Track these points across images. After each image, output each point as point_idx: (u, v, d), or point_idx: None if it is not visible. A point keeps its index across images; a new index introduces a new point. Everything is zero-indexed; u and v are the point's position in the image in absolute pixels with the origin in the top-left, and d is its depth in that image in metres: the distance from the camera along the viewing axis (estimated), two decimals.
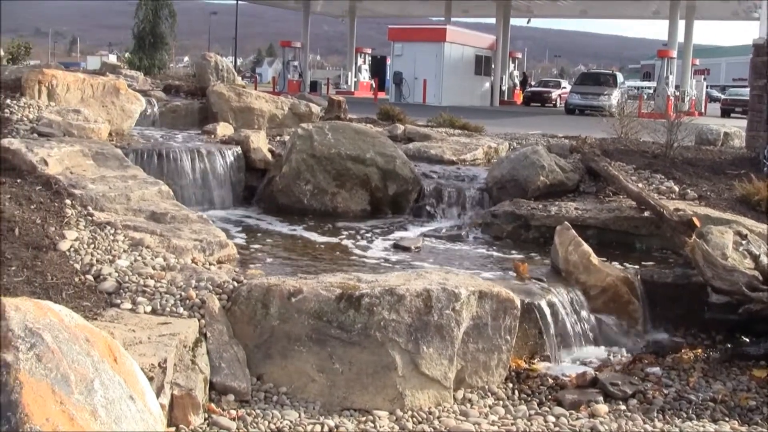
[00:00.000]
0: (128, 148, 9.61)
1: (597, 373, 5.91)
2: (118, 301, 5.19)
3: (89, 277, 5.45)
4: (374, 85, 44.99)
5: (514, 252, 8.32)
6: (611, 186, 9.65)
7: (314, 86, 50.07)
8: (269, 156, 10.89)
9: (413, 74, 40.34)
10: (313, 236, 8.78)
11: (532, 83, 58.02)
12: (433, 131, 14.46)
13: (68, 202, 6.80)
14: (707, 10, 41.85)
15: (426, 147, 12.44)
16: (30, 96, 10.30)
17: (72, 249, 5.85)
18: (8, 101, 10.04)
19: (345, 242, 8.54)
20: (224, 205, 10.12)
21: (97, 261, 5.73)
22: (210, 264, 6.21)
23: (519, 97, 48.70)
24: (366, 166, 10.20)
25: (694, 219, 8.00)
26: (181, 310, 5.15)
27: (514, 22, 52.95)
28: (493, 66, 44.99)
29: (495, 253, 8.28)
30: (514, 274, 7.02)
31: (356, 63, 52.52)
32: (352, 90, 50.50)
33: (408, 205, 10.31)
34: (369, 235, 9.04)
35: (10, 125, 9.15)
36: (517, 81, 50.64)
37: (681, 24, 39.34)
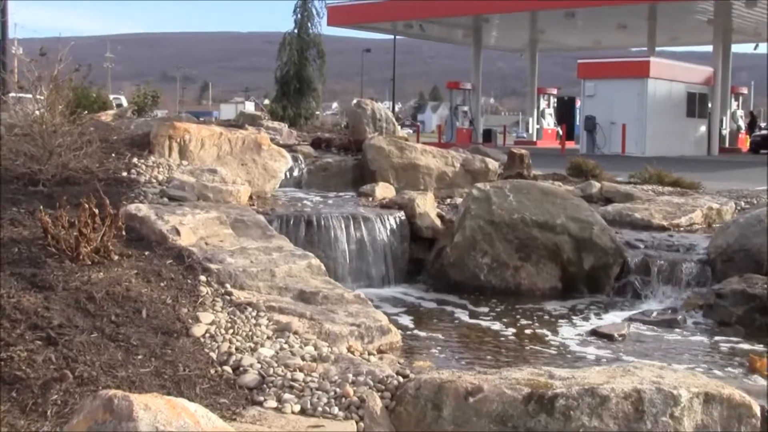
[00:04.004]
0: (272, 213, 9.87)
1: None
2: (261, 398, 5.26)
3: (227, 368, 5.57)
4: (561, 133, 44.81)
5: (746, 342, 8.02)
6: None
7: (488, 135, 50.33)
8: (438, 222, 10.97)
9: (609, 118, 39.95)
10: (492, 320, 8.74)
11: (762, 125, 56.43)
12: (636, 189, 14.23)
13: (203, 278, 7.01)
14: None
15: (629, 209, 12.26)
16: (159, 154, 10.75)
17: (207, 335, 6.00)
18: (135, 160, 10.50)
19: (531, 328, 8.45)
20: (385, 281, 10.25)
21: (237, 349, 5.85)
22: (369, 354, 6.25)
23: (745, 143, 47.44)
24: (556, 234, 10.12)
25: None
26: (335, 410, 5.18)
27: (737, 48, 51.84)
28: (710, 105, 44.02)
29: (722, 344, 8.01)
30: (749, 372, 6.76)
31: (539, 106, 52.56)
32: (534, 139, 50.50)
33: (608, 281, 10.13)
34: (560, 319, 8.93)
35: (137, 188, 9.56)
36: (742, 123, 49.35)
37: None
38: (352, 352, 6.17)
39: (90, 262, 6.70)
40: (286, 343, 6.07)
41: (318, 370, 5.61)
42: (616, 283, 10.13)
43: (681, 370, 5.86)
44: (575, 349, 7.69)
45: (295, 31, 23.19)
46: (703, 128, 43.99)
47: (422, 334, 8.01)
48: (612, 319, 9.00)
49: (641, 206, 12.52)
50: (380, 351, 6.47)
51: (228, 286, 6.97)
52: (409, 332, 7.94)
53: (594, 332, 8.28)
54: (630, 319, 8.89)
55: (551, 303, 9.66)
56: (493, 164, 13.90)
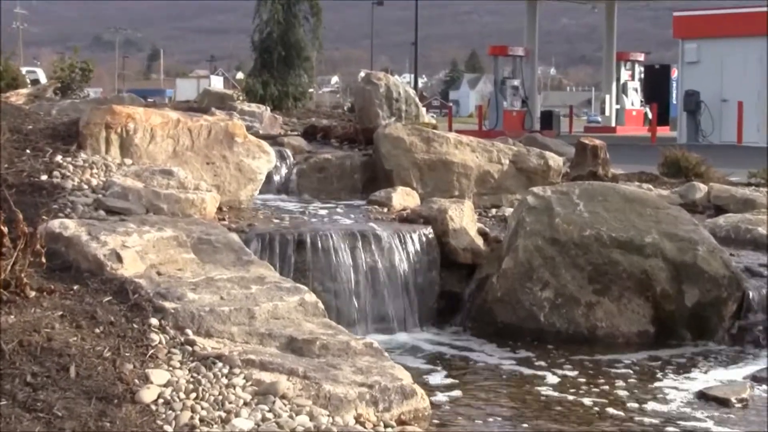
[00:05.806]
0: (250, 231, 9.92)
1: None
2: None
3: None
4: (651, 116, 44.77)
5: None
6: None
7: (547, 120, 50.22)
8: (479, 242, 11.01)
9: (719, 94, 39.88)
10: (557, 378, 8.74)
11: None
12: (759, 193, 14.22)
13: (155, 321, 7.02)
14: None
15: (749, 222, 12.25)
16: (93, 149, 10.74)
17: (161, 400, 6.01)
18: (59, 158, 10.48)
19: (612, 389, 8.44)
20: (407, 324, 10.28)
21: (202, 421, 5.87)
22: (386, 426, 6.28)
23: None
24: (645, 257, 10.11)
25: None
26: None
27: None
28: None
29: None
30: None
31: (619, 79, 52.51)
32: (613, 124, 50.45)
33: (720, 323, 10.11)
34: (653, 376, 8.93)
35: (62, 197, 9.54)
36: None
37: None
38: (362, 423, 6.18)
39: None
40: (270, 411, 6.08)
41: None
42: (732, 325, 10.10)
43: None
44: (675, 417, 7.67)
45: None
46: None
47: (459, 397, 8.02)
48: (727, 376, 8.98)
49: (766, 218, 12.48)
50: (401, 421, 6.47)
51: (189, 332, 6.97)
52: (440, 395, 7.94)
53: (702, 395, 8.26)
54: (753, 378, 8.87)
55: (639, 353, 9.65)
56: (555, 161, 13.90)
